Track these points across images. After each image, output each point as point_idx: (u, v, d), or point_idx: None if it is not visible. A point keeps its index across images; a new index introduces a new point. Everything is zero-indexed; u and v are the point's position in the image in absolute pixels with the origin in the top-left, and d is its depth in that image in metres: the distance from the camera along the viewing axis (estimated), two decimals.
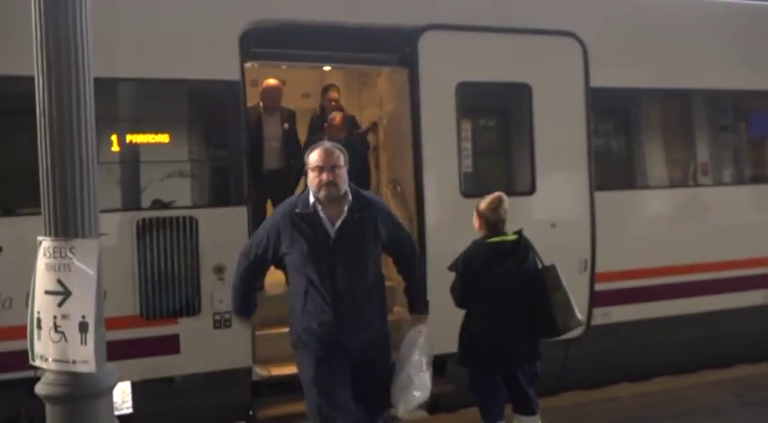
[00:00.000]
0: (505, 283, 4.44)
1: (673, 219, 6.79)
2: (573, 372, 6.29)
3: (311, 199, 3.91)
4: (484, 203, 4.59)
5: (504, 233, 4.57)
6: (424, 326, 4.19)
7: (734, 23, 7.04)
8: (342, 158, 3.91)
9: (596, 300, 6.26)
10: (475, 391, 4.56)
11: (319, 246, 3.85)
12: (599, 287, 6.29)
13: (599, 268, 6.29)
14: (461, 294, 4.48)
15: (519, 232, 4.60)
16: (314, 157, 3.88)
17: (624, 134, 6.95)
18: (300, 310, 3.95)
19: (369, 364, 4.01)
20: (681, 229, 6.72)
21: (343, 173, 3.90)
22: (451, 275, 4.53)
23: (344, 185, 3.90)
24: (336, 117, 6.83)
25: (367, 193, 4.20)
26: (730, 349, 6.92)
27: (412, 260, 4.21)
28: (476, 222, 4.63)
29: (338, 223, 3.87)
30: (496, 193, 4.62)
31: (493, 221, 4.54)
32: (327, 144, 3.99)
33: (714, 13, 6.99)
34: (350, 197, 3.92)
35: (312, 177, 3.88)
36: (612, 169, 6.72)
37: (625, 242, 6.46)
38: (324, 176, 3.83)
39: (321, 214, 3.88)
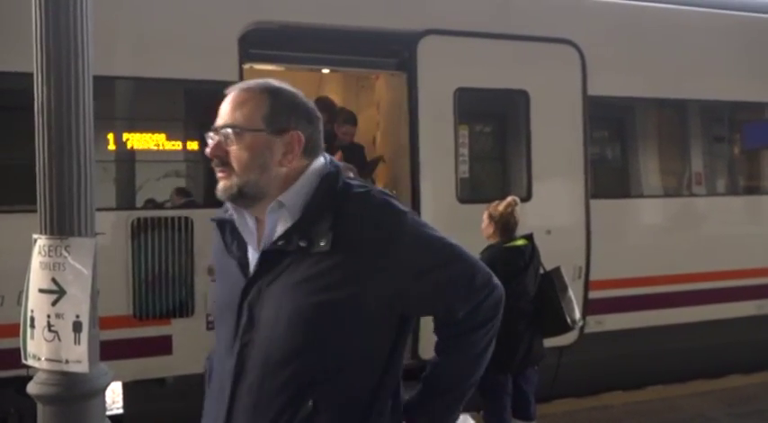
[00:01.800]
0: (526, 286, 4.55)
1: (667, 228, 6.82)
2: (565, 379, 6.28)
3: None
4: (500, 207, 4.61)
5: (515, 237, 4.60)
6: None
7: (732, 34, 7.06)
8: (256, 112, 1.79)
9: (590, 307, 6.26)
10: (490, 396, 4.53)
11: (230, 284, 1.90)
12: (593, 295, 6.29)
13: (593, 276, 6.29)
14: None
15: (530, 237, 4.67)
16: None
17: (620, 143, 6.98)
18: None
19: None
20: (675, 238, 6.73)
21: (256, 143, 1.78)
22: None
23: (256, 174, 1.78)
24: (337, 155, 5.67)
25: (372, 195, 1.84)
26: (723, 359, 6.93)
27: (459, 330, 2.03)
28: (489, 228, 4.64)
29: (258, 253, 1.85)
30: (510, 197, 4.71)
31: (509, 226, 4.60)
32: (243, 83, 1.88)
33: (711, 23, 7.01)
34: (295, 202, 1.80)
35: None
36: (608, 177, 6.76)
37: (620, 250, 6.46)
38: (208, 149, 1.81)
39: (240, 226, 1.90)
